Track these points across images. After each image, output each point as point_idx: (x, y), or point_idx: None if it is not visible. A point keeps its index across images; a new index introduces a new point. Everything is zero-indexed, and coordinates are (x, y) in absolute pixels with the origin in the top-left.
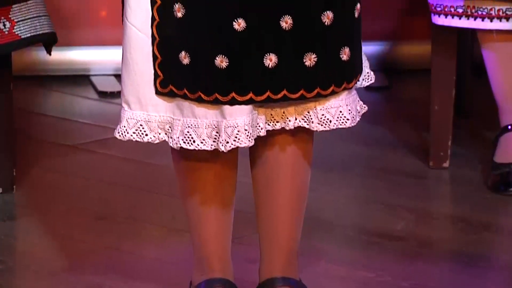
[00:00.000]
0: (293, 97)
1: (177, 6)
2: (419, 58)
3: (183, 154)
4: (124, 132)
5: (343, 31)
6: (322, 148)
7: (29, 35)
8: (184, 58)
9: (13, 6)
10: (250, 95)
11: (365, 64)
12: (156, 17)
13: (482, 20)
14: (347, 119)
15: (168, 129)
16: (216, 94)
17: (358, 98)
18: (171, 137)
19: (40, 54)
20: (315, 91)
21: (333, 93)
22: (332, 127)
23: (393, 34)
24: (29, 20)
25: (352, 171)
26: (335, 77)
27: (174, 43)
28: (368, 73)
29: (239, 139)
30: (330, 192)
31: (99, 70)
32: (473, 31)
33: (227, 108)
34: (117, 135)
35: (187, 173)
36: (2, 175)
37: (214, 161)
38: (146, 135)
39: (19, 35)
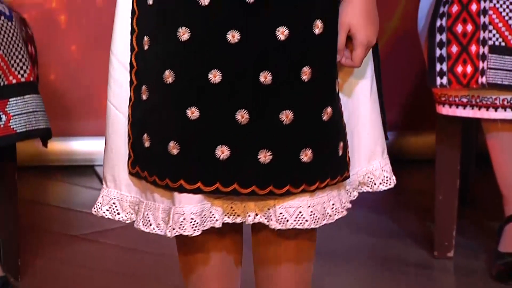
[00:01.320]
0: (244, 192)
1: (143, 88)
2: (423, 148)
3: (182, 249)
4: (99, 208)
5: (305, 132)
6: (326, 237)
7: (24, 129)
8: (146, 140)
9: (10, 99)
10: (199, 184)
11: (385, 169)
12: (132, 97)
13: (487, 110)
14: (306, 220)
15: (137, 210)
16: (167, 180)
17: (338, 200)
18: (136, 219)
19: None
20: (268, 189)
21: (289, 193)
22: (288, 226)
23: (397, 124)
24: (25, 115)
25: (356, 261)
26: (292, 177)
27: (140, 125)
28: (387, 177)
29: (184, 227)
30: (334, 281)
31: (103, 160)
32: (477, 121)
33: (177, 194)
34: (93, 211)
35: (188, 270)
36: (7, 265)
37: (216, 260)
38: (118, 213)
39: (15, 129)
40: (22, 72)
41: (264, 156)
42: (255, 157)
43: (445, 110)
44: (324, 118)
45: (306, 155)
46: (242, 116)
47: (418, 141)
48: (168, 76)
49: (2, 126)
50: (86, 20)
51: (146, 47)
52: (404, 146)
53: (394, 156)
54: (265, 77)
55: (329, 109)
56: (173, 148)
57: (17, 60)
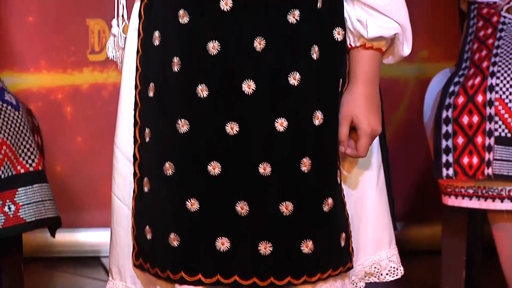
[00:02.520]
0: (245, 283)
1: (145, 180)
2: (429, 239)
3: None
4: None
5: (305, 223)
6: None
7: (33, 219)
8: (148, 232)
9: (19, 189)
10: (199, 276)
11: (392, 259)
12: (136, 189)
13: (493, 201)
14: None
15: None
16: (168, 271)
17: None
18: None
19: (50, 236)
20: (268, 280)
21: (290, 284)
22: None
23: (402, 215)
24: (34, 204)
25: None
26: (292, 269)
27: (143, 217)
28: (394, 268)
29: None
30: None
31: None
32: (483, 211)
33: (178, 286)
34: None
35: None
36: None
37: None
38: None
39: (24, 218)
40: (30, 161)
41: (265, 248)
42: (255, 249)
43: (451, 201)
44: (325, 209)
45: (306, 246)
46: (241, 207)
47: (423, 231)
48: (168, 168)
49: (11, 216)
50: (92, 111)
51: (147, 139)
52: (409, 236)
53: (398, 248)
54: (264, 169)
55: (330, 200)
56: (174, 239)
57: (25, 150)
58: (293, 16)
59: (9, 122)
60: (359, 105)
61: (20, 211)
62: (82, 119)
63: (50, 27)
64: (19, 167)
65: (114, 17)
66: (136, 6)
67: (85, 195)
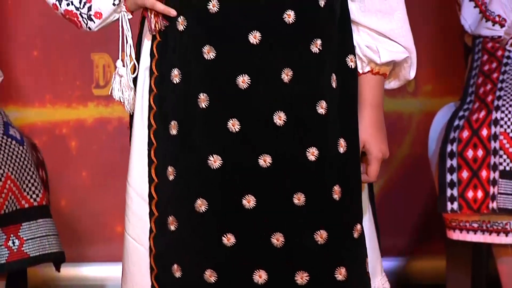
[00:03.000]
0: None
1: (170, 219)
2: (433, 273)
3: None
4: None
5: (338, 251)
6: None
7: (37, 253)
8: (176, 271)
9: (23, 224)
10: None
11: (386, 286)
12: (154, 229)
13: (498, 235)
14: None
15: None
16: None
17: None
18: None
19: (55, 270)
20: None
21: None
22: None
23: (407, 249)
24: (38, 239)
25: None
26: None
27: (168, 256)
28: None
29: None
30: None
31: (114, 286)
32: (488, 245)
33: None
34: None
35: None
36: None
37: None
38: None
39: (28, 253)
40: (34, 196)
41: (301, 278)
42: (292, 279)
43: (455, 235)
44: (355, 235)
45: (340, 274)
46: (277, 239)
47: (428, 265)
48: (201, 205)
49: (15, 250)
50: (97, 146)
51: (171, 178)
52: (414, 270)
53: (403, 281)
54: (299, 199)
55: (358, 226)
56: (210, 276)
57: (29, 184)
58: (316, 46)
59: (14, 156)
60: (369, 130)
61: (24, 245)
62: (87, 153)
63: (54, 61)
64: (23, 202)
65: (118, 56)
66: (147, 45)
67: (90, 230)
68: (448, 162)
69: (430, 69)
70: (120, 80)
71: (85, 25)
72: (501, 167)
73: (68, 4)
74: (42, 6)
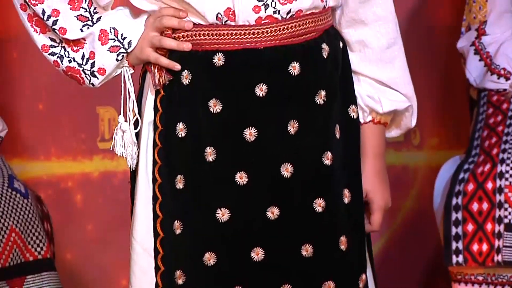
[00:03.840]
0: None
1: (178, 273)
2: None
3: None
4: None
5: None
6: None
7: None
8: None
9: (27, 277)
10: None
11: None
12: (160, 283)
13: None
14: None
15: None
16: None
17: None
18: None
19: None
20: None
21: None
22: None
23: None
24: None
25: None
26: None
27: None
28: None
29: None
30: None
31: None
32: None
33: None
34: None
35: None
36: None
37: None
38: None
39: None
40: (38, 249)
41: None
42: None
43: None
44: (360, 285)
45: None
46: None
47: None
48: (209, 258)
49: None
50: (102, 199)
51: (178, 232)
52: None
53: None
54: (307, 250)
55: (363, 276)
56: None
57: (34, 237)
58: (320, 97)
59: (18, 209)
60: (371, 180)
61: None
62: (92, 207)
63: (59, 115)
64: (28, 255)
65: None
66: (150, 99)
67: (95, 283)
68: (453, 215)
69: (435, 122)
70: (123, 135)
71: (88, 82)
72: (506, 220)
73: (70, 61)
74: (47, 60)
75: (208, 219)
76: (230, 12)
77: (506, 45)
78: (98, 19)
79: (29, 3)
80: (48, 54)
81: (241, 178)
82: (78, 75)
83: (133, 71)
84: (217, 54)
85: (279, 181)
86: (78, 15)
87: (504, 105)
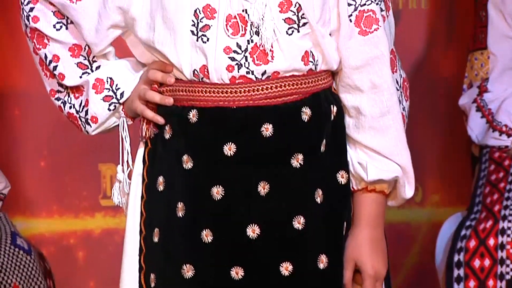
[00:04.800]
0: None
1: None
2: None
3: None
4: None
5: None
6: None
7: None
8: None
9: None
10: None
11: None
12: None
13: None
14: None
15: None
16: None
17: None
18: None
19: None
20: None
21: None
22: None
23: None
24: None
25: None
26: None
27: None
28: None
29: None
30: None
31: None
32: None
33: None
34: None
35: None
36: None
37: None
38: None
39: None
40: None
41: None
42: None
43: None
44: None
45: None
46: None
47: None
48: None
49: None
50: (105, 256)
51: (152, 285)
52: None
53: None
54: None
55: None
56: None
57: None
58: (297, 160)
59: (21, 266)
60: (363, 248)
61: None
62: (94, 264)
63: (62, 172)
64: None
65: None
66: (140, 151)
67: None
68: (455, 272)
69: (437, 180)
70: (119, 186)
71: (83, 129)
72: (507, 277)
73: (70, 107)
74: (49, 116)
75: (176, 274)
76: (205, 70)
77: (508, 102)
78: (97, 67)
79: (35, 48)
80: (54, 99)
81: (207, 236)
82: (76, 122)
83: (131, 122)
84: (192, 110)
85: (244, 242)
86: (77, 63)
87: (506, 162)
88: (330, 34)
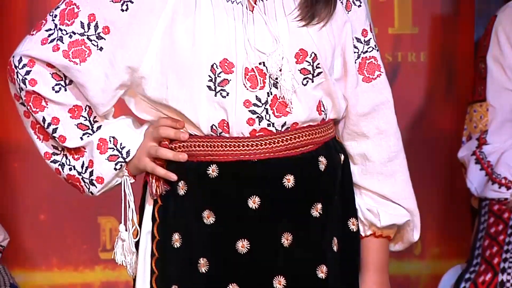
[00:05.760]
0: None
1: None
2: None
3: None
4: None
5: None
6: None
7: None
8: None
9: None
10: None
11: None
12: None
13: None
14: None
15: None
16: None
17: None
18: None
19: None
20: None
21: None
22: None
23: None
24: None
25: None
26: None
27: None
28: None
29: None
30: None
31: None
32: None
33: None
34: None
35: None
36: None
37: None
38: None
39: None
40: None
41: None
42: None
43: None
44: None
45: None
46: None
47: None
48: None
49: None
50: None
51: None
52: None
53: None
54: None
55: None
56: None
57: None
58: (316, 210)
59: None
60: None
61: None
62: None
63: (61, 225)
64: None
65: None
66: (149, 209)
67: None
68: None
69: (436, 232)
70: (123, 244)
71: (87, 190)
72: None
73: (70, 169)
74: (48, 170)
75: None
76: (225, 124)
77: (507, 154)
78: (98, 127)
79: (31, 111)
80: (50, 162)
81: None
82: (78, 183)
83: (133, 180)
84: (211, 165)
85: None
86: (78, 124)
87: (505, 214)
88: None
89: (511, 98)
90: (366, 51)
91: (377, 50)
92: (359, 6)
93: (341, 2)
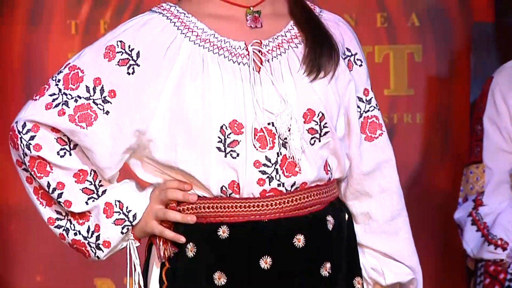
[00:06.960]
0: None
1: None
2: None
3: None
4: None
5: None
6: None
7: None
8: None
9: None
10: None
11: None
12: None
13: None
14: None
15: None
16: None
17: None
18: None
19: None
20: None
21: None
22: None
23: None
24: None
25: None
26: None
27: None
28: None
29: None
30: None
31: None
32: None
33: None
34: None
35: None
36: None
37: None
38: None
39: None
40: None
41: None
42: None
43: None
44: None
45: None
46: None
47: None
48: None
49: None
50: None
51: None
52: None
53: None
54: None
55: None
56: None
57: None
58: (325, 269)
59: None
60: None
61: None
62: None
63: (57, 286)
64: None
65: (123, 279)
66: (156, 272)
67: None
68: None
69: None
70: None
71: (93, 255)
72: None
73: (75, 234)
74: (44, 231)
75: None
76: (235, 185)
77: (503, 215)
78: (104, 192)
79: (35, 176)
80: (54, 227)
81: None
82: (83, 248)
83: (138, 244)
84: (221, 226)
85: None
86: (83, 188)
87: (501, 275)
88: None
89: (507, 159)
90: (368, 110)
91: (378, 109)
92: (360, 65)
93: (343, 61)
